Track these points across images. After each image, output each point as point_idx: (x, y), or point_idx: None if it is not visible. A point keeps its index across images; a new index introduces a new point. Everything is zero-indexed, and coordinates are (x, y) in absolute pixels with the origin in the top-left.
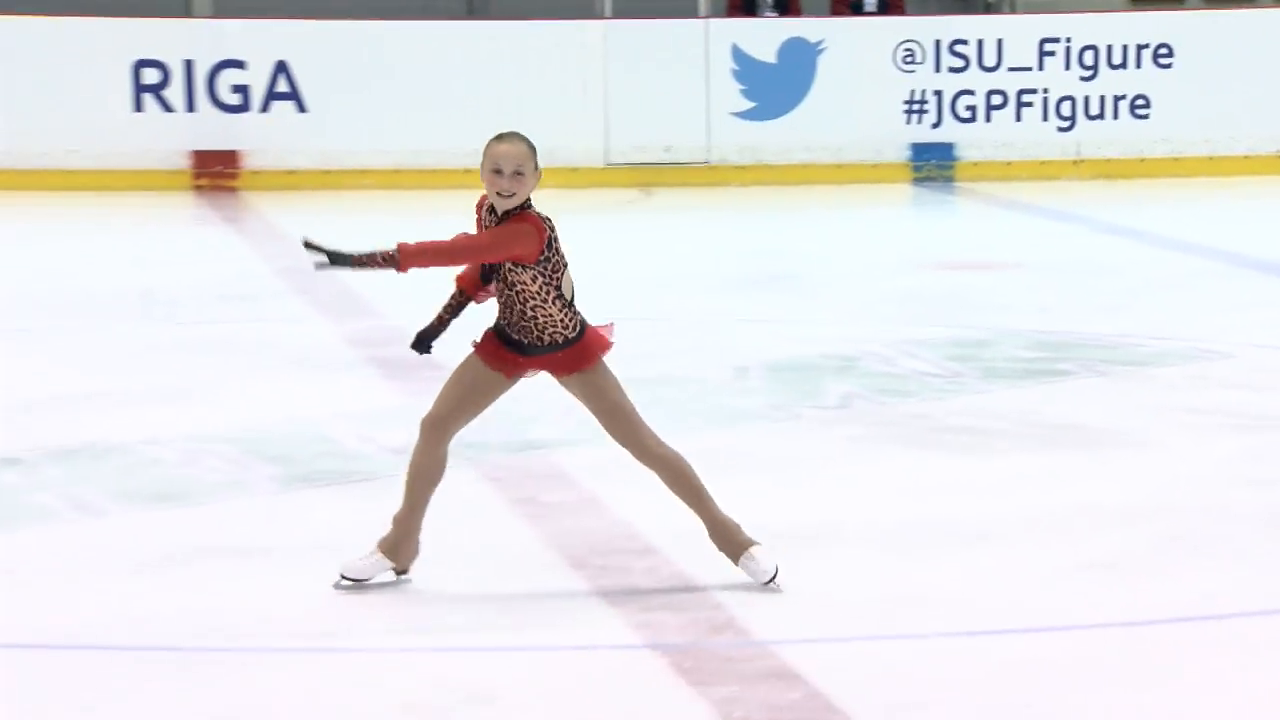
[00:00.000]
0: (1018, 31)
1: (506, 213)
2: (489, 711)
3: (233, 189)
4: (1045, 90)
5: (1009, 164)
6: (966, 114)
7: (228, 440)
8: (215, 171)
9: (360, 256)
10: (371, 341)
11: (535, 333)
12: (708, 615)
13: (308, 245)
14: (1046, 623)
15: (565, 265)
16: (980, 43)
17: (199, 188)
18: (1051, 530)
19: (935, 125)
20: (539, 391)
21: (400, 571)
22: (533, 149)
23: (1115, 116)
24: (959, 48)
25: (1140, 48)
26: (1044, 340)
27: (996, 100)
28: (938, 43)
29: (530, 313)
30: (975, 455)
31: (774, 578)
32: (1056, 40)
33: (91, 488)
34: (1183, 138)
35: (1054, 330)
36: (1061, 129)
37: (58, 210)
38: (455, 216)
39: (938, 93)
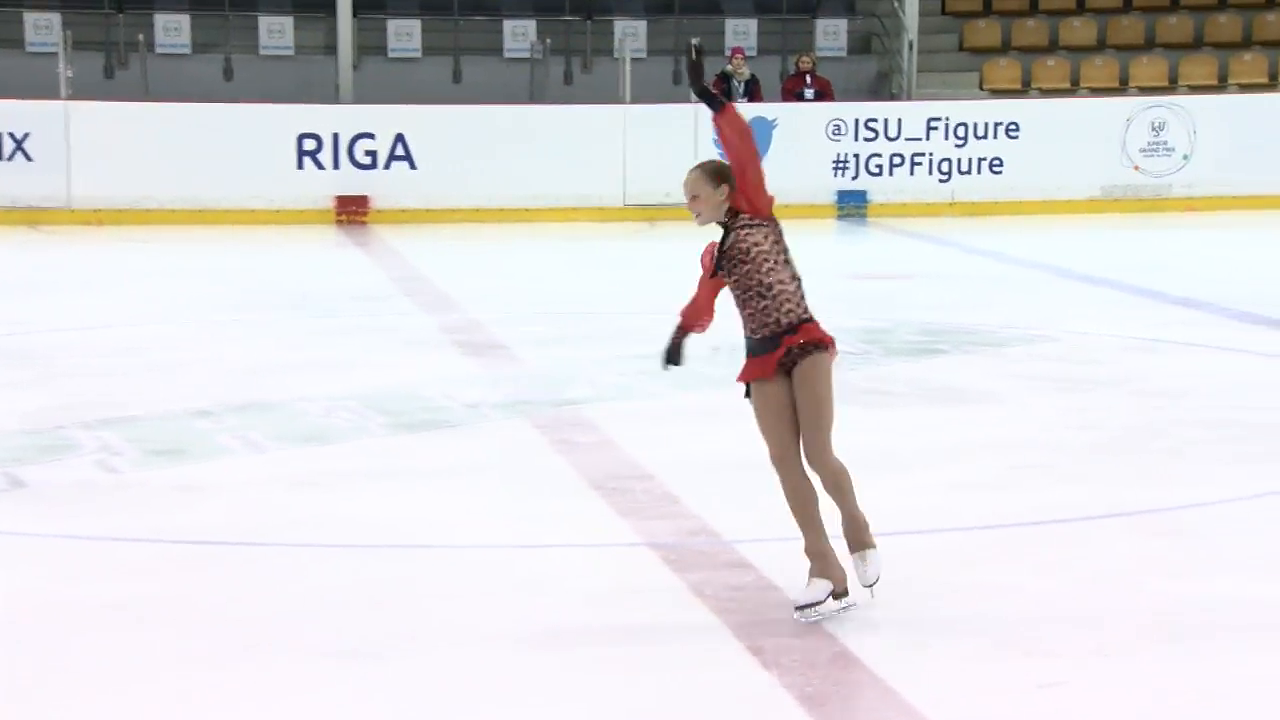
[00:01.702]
0: (912, 113)
1: (723, 227)
2: (535, 588)
3: (364, 223)
4: (931, 154)
5: (905, 205)
6: (876, 170)
7: (354, 397)
8: (351, 210)
9: (674, 343)
10: (455, 329)
11: (775, 316)
12: (688, 523)
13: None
14: (933, 525)
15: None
16: (886, 121)
17: (339, 222)
18: (937, 460)
19: (854, 178)
20: (572, 361)
21: (840, 594)
22: (710, 173)
23: (979, 172)
24: (871, 124)
25: (996, 124)
26: (929, 328)
27: (897, 161)
28: (857, 120)
29: (771, 294)
30: (882, 409)
31: (874, 584)
32: (939, 119)
33: (258, 432)
34: (1026, 186)
35: (936, 321)
36: (942, 181)
37: (242, 239)
38: (519, 240)
39: (856, 155)
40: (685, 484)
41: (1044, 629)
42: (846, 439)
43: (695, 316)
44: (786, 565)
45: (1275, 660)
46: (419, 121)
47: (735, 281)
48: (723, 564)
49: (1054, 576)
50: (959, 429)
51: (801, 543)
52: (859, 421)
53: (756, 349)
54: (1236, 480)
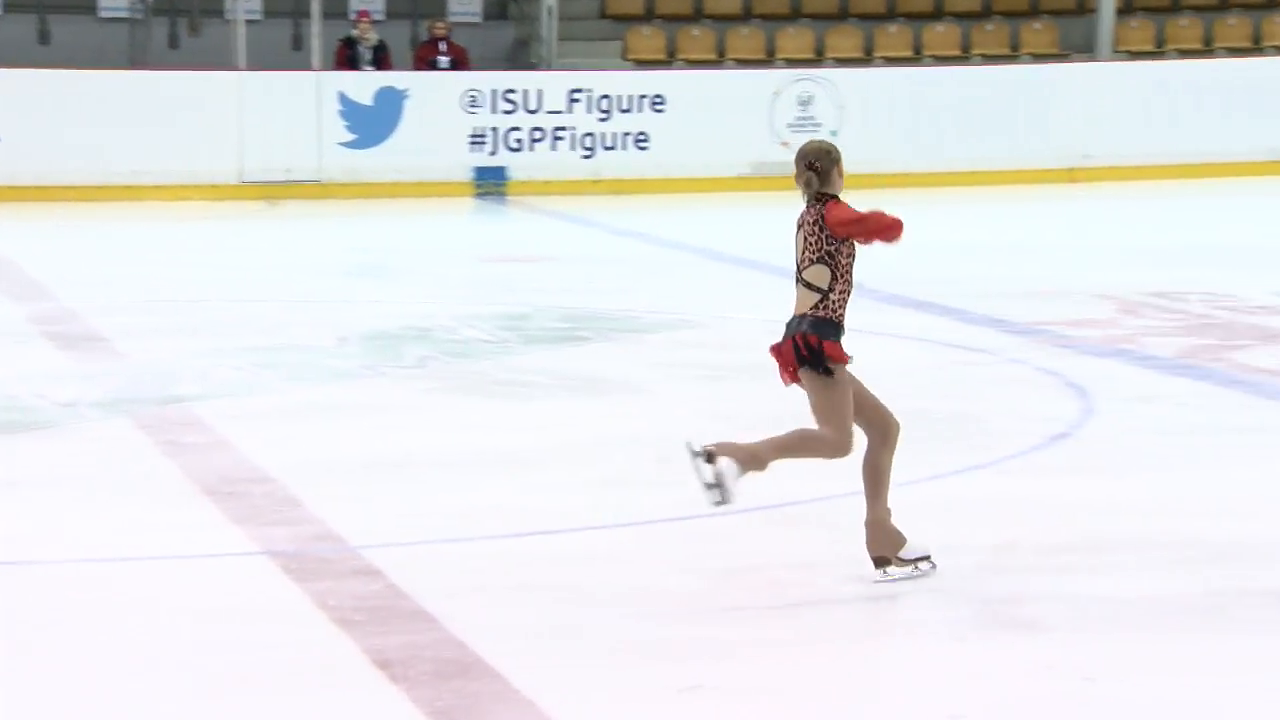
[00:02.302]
0: (553, 84)
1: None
2: (139, 607)
3: None
4: (573, 128)
5: (547, 183)
6: (516, 144)
7: None
8: None
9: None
10: (47, 320)
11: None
12: (310, 529)
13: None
14: (573, 524)
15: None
16: (525, 92)
17: None
18: (579, 455)
19: (492, 153)
20: (181, 354)
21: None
22: (804, 155)
23: (624, 148)
24: (510, 96)
25: (641, 97)
26: (571, 314)
27: (538, 135)
28: (494, 92)
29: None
30: (521, 401)
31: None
32: (581, 91)
33: None
34: (672, 164)
35: (578, 306)
36: (585, 157)
37: None
38: (120, 221)
39: (494, 129)
40: (307, 486)
41: (685, 629)
42: (480, 435)
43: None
44: (415, 571)
45: (912, 649)
46: (0, 88)
47: (850, 252)
48: (348, 572)
49: (695, 574)
50: (600, 422)
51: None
52: (495, 415)
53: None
54: None
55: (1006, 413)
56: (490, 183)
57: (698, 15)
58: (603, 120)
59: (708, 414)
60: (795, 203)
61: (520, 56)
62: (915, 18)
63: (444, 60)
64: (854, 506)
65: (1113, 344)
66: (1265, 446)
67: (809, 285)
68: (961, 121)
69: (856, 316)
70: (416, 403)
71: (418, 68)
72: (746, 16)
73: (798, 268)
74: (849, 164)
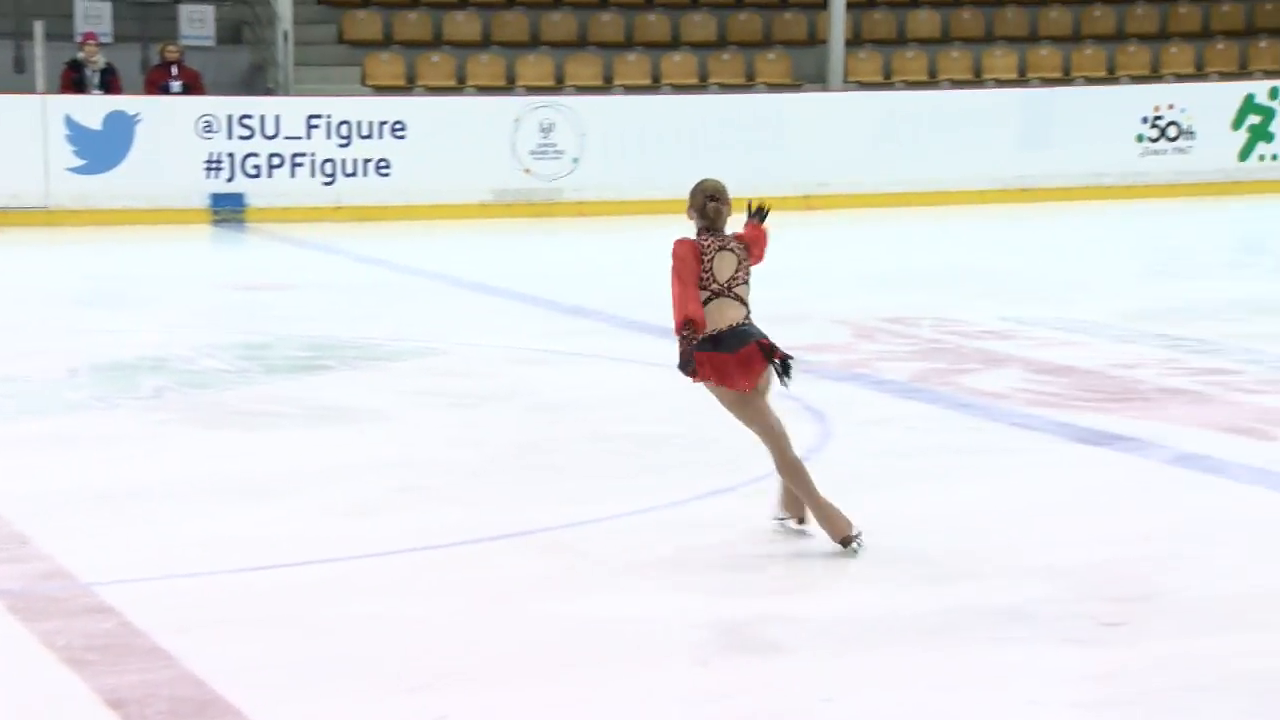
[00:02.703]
0: (291, 110)
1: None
2: None
3: None
4: (313, 154)
5: (287, 209)
6: (254, 171)
7: None
8: None
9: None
10: None
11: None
12: (39, 565)
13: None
14: (312, 555)
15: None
16: (262, 118)
17: None
18: (318, 484)
19: (229, 179)
20: None
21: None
22: (707, 190)
23: (365, 174)
24: (247, 121)
25: (382, 123)
26: (312, 342)
27: (276, 161)
28: (230, 117)
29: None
30: (261, 430)
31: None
32: (320, 117)
33: None
34: (415, 190)
35: (321, 335)
36: (325, 183)
37: None
38: None
39: (231, 154)
40: (35, 522)
41: (431, 660)
42: (219, 465)
43: (702, 315)
44: (150, 607)
45: (655, 674)
46: None
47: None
48: (78, 610)
49: (437, 604)
50: (342, 451)
51: None
52: (234, 445)
53: (745, 338)
54: (624, 495)
55: (749, 438)
56: (228, 210)
57: (437, 42)
58: (343, 146)
59: (454, 441)
60: (539, 229)
61: (256, 82)
62: (653, 47)
63: (176, 85)
64: (605, 532)
65: (849, 368)
66: (993, 467)
67: (742, 300)
68: (700, 150)
69: (596, 341)
70: (152, 434)
71: (149, 92)
72: (486, 43)
73: (728, 285)
74: (590, 192)
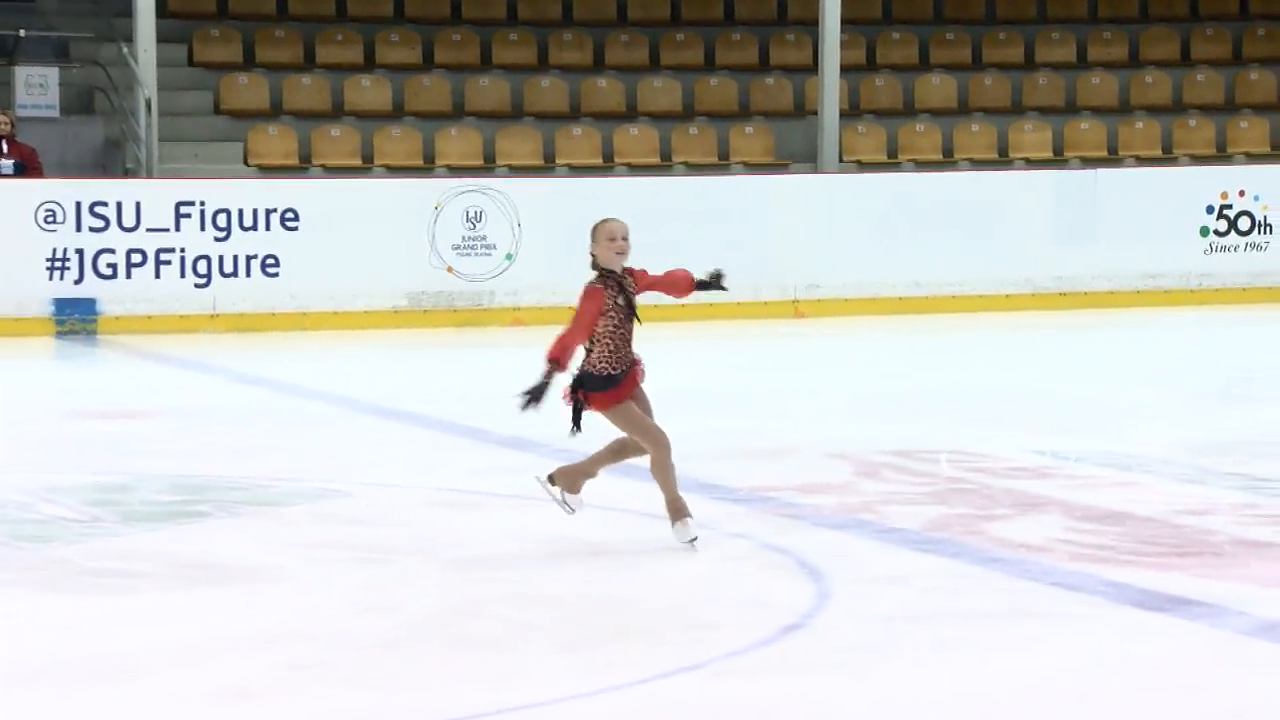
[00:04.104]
0: (155, 195)
1: (619, 274)
2: None
3: None
4: (182, 249)
5: (150, 318)
6: (108, 270)
7: None
8: None
9: (540, 385)
10: None
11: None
12: None
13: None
14: None
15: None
16: (120, 204)
17: None
18: (190, 661)
19: (78, 281)
20: None
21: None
22: (621, 230)
23: (248, 274)
24: (99, 209)
25: (269, 211)
26: (182, 483)
27: (136, 258)
28: (79, 204)
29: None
30: (116, 595)
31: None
32: (192, 204)
33: None
34: (309, 293)
35: (192, 474)
36: (199, 285)
37: None
38: None
39: (79, 250)
40: None
41: None
42: (67, 638)
43: (570, 358)
44: None
45: None
46: None
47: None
48: None
49: None
50: (223, 619)
51: None
52: (86, 613)
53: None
54: (570, 672)
55: (726, 601)
56: (75, 318)
57: (338, 112)
58: (220, 240)
59: (359, 607)
60: (466, 341)
61: (112, 161)
62: (604, 118)
63: (6, 164)
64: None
65: (850, 513)
66: (1030, 637)
67: (631, 336)
68: (662, 242)
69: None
70: None
71: None
72: (399, 113)
73: (622, 329)
74: (528, 295)
